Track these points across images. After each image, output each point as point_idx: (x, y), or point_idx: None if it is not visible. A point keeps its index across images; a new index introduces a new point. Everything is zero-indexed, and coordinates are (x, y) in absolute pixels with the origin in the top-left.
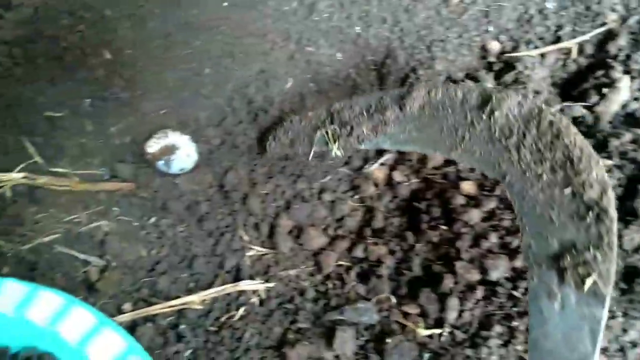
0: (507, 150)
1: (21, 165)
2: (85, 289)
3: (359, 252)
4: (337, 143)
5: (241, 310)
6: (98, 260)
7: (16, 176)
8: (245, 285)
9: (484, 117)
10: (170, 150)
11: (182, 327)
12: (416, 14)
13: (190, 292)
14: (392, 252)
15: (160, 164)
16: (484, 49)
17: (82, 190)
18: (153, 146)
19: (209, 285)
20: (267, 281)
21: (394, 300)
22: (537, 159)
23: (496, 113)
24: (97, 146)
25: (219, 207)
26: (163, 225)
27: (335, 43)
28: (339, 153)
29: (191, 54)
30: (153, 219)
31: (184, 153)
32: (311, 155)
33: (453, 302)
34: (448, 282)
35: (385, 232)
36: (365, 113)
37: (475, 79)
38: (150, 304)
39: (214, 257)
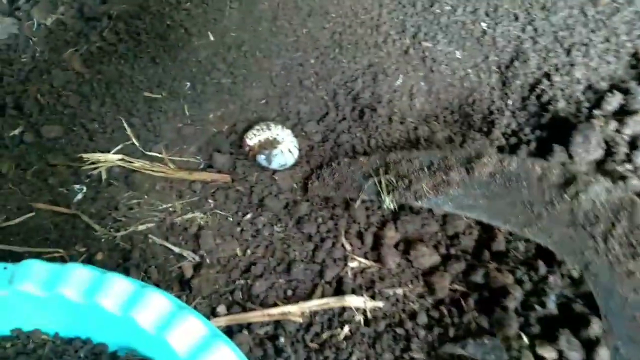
0: (591, 238)
1: (118, 147)
2: (179, 285)
3: (477, 277)
4: (390, 195)
5: (345, 329)
6: (192, 255)
7: (113, 157)
8: (351, 300)
9: (566, 198)
10: (271, 144)
11: (281, 339)
12: (555, 12)
13: (287, 300)
14: (519, 282)
15: (261, 158)
16: (636, 56)
17: (178, 178)
18: (253, 138)
19: (308, 295)
20: (372, 298)
21: (525, 339)
22: (629, 254)
23: (581, 196)
24: (195, 132)
25: (320, 209)
26: (259, 223)
27: (455, 39)
28: (391, 206)
29: (297, 41)
30: (249, 216)
31: (285, 148)
32: (358, 202)
33: (603, 354)
34: (596, 327)
35: (509, 258)
36: (426, 169)
37: (624, 91)
38: (245, 309)
39: (313, 264)
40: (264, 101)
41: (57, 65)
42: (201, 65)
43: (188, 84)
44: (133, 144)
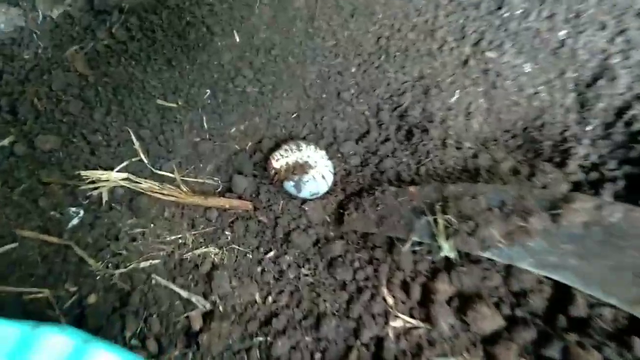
0: None
1: (123, 164)
2: (185, 340)
3: (553, 352)
4: (451, 240)
5: None
6: (203, 302)
7: (117, 176)
8: None
9: None
10: (302, 168)
11: None
12: None
13: None
14: None
15: (289, 185)
16: None
17: (191, 203)
18: (280, 160)
19: (342, 358)
20: None
21: None
22: None
23: None
24: (213, 149)
25: (357, 249)
26: (284, 263)
27: (526, 50)
28: (451, 255)
29: (337, 45)
30: (272, 253)
31: (318, 174)
32: (407, 246)
33: None
34: None
35: (592, 328)
36: (496, 210)
37: None
38: None
39: (347, 319)
40: (294, 115)
41: (59, 64)
42: (224, 70)
43: (208, 91)
44: (141, 160)
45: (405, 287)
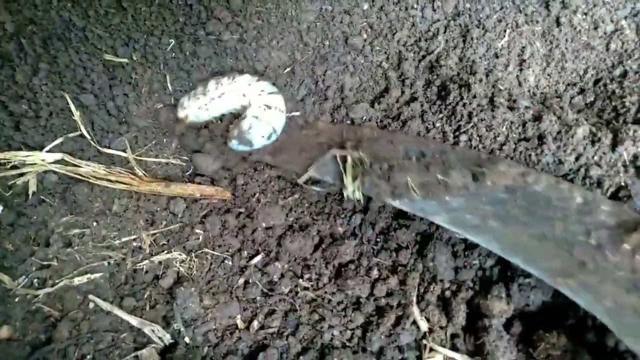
0: None
1: (57, 141)
2: None
3: None
4: (357, 181)
5: None
6: (160, 332)
7: (48, 157)
8: None
9: (626, 249)
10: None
11: None
12: None
13: None
14: None
15: (235, 144)
16: None
17: (149, 192)
18: (189, 108)
19: None
20: None
21: None
22: None
23: None
24: (176, 119)
25: (375, 252)
26: (274, 271)
27: None
28: (355, 197)
29: None
30: (258, 258)
31: (258, 109)
32: (303, 179)
33: None
34: None
35: None
36: (414, 160)
37: None
38: None
39: (362, 354)
40: (287, 69)
41: None
42: (192, 11)
43: (172, 41)
44: (82, 136)
45: (445, 304)
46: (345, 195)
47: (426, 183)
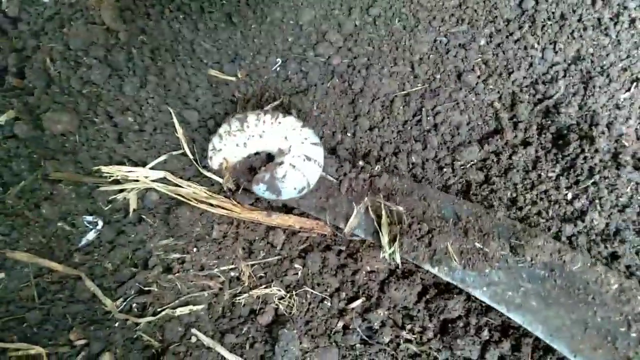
0: None
1: (161, 158)
2: None
3: None
4: (395, 244)
5: None
6: None
7: (150, 174)
8: None
9: None
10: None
11: None
12: None
13: None
14: None
15: (261, 189)
16: None
17: (249, 219)
18: (223, 150)
19: None
20: None
21: None
22: None
23: None
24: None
25: (484, 309)
26: (376, 318)
27: None
28: (395, 259)
29: (462, 6)
30: (358, 302)
31: (297, 158)
32: (349, 230)
33: None
34: None
35: None
36: (452, 223)
37: None
38: None
39: None
40: (394, 99)
41: (83, 14)
42: (302, 33)
43: (278, 61)
44: (184, 154)
45: None
46: (383, 255)
47: (465, 251)
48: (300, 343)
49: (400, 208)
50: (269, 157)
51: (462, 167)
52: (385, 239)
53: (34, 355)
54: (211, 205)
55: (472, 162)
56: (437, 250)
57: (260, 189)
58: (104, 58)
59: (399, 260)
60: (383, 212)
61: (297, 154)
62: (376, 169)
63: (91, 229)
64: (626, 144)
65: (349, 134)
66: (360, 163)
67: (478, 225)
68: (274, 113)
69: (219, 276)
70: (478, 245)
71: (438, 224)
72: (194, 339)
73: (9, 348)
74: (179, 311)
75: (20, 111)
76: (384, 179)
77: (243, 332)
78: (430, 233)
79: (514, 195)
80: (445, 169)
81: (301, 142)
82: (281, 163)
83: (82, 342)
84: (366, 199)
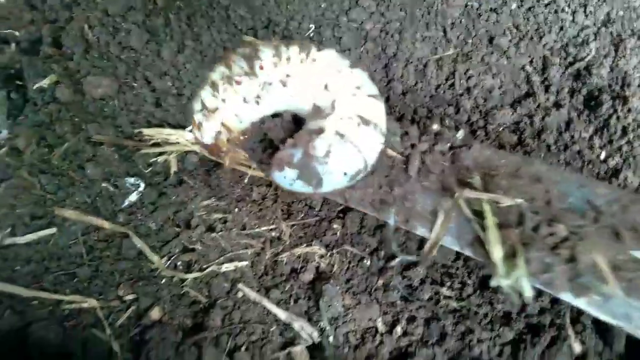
0: None
1: None
2: None
3: None
4: (518, 265)
5: None
6: (308, 329)
7: (190, 137)
8: None
9: None
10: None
11: None
12: None
13: None
14: None
15: (286, 177)
16: None
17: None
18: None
19: None
20: None
21: None
22: None
23: None
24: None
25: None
26: (415, 276)
27: None
28: (523, 288)
29: None
30: (397, 260)
31: (350, 125)
32: (430, 250)
33: None
34: None
35: None
36: (592, 219)
37: None
38: None
39: None
40: (427, 64)
41: None
42: None
43: (312, 26)
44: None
45: (603, 330)
46: (492, 282)
47: (621, 266)
48: (343, 299)
49: (520, 200)
50: (298, 122)
51: (495, 130)
52: (497, 254)
53: (86, 308)
54: (250, 167)
55: (505, 125)
56: (581, 269)
57: (286, 178)
58: (142, 23)
59: (528, 292)
60: (486, 209)
61: (347, 114)
62: (459, 134)
63: (133, 191)
64: None
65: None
66: (435, 127)
67: (629, 219)
68: (304, 45)
69: (261, 235)
70: (637, 254)
71: (573, 223)
72: (240, 294)
73: (63, 300)
74: (224, 267)
75: (61, 75)
76: (475, 150)
77: (287, 288)
78: (568, 240)
79: (548, 156)
80: (478, 132)
81: (352, 93)
82: (321, 131)
83: (131, 297)
84: (456, 188)
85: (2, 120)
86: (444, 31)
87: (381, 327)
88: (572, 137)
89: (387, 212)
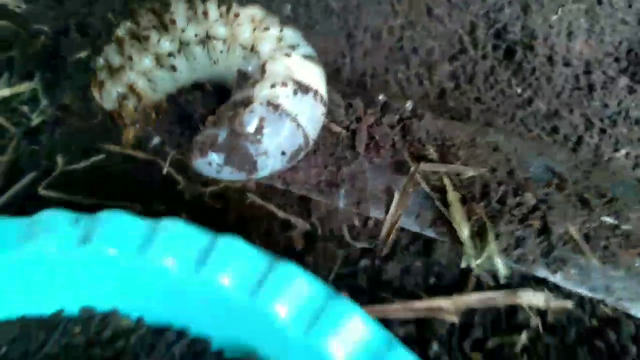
0: None
1: None
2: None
3: None
4: (488, 244)
5: (523, 337)
6: (299, 222)
7: None
8: (525, 296)
9: None
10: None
11: (433, 347)
12: None
13: (433, 291)
14: None
15: (208, 163)
16: None
17: None
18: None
19: (458, 285)
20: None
21: None
22: None
23: None
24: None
25: None
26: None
27: None
28: (497, 267)
29: None
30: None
31: (286, 96)
32: (387, 236)
33: None
34: None
35: None
36: (556, 187)
37: None
38: (379, 299)
39: None
40: (380, 32)
41: None
42: None
43: (289, 6)
44: None
45: None
46: (463, 263)
47: (594, 234)
48: None
49: (482, 170)
50: (224, 95)
51: (438, 80)
52: (465, 233)
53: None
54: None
55: (445, 75)
56: (554, 241)
57: (212, 165)
58: None
59: (502, 270)
60: (447, 182)
61: (281, 79)
62: (407, 105)
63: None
64: (557, 50)
65: (347, 60)
66: (380, 97)
67: (592, 185)
68: None
69: None
70: (609, 220)
71: (538, 192)
72: (249, 200)
73: (113, 206)
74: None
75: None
76: (427, 121)
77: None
78: (537, 209)
79: (478, 95)
80: (424, 82)
81: (285, 53)
82: (249, 102)
83: (163, 207)
84: (411, 163)
85: (41, 93)
86: (392, 5)
87: None
88: (496, 79)
89: (333, 196)
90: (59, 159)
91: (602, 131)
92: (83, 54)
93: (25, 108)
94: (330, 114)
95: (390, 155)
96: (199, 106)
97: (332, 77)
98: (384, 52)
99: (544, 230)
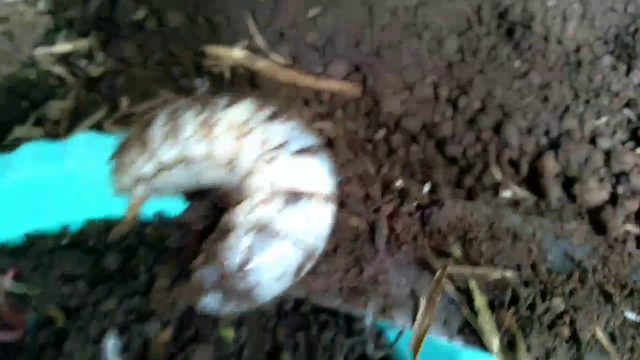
0: None
1: (242, 44)
2: None
3: None
4: (520, 351)
5: None
6: None
7: (238, 55)
8: None
9: None
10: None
11: None
12: None
13: None
14: None
15: (209, 302)
16: None
17: (305, 86)
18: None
19: None
20: None
21: None
22: None
23: None
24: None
25: (465, 131)
26: (396, 139)
27: None
28: None
29: None
30: (382, 132)
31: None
32: (415, 336)
33: None
34: None
35: None
36: (576, 277)
37: None
38: None
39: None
40: (392, 13)
41: None
42: None
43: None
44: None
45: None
46: None
47: (618, 333)
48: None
49: (509, 273)
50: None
51: (447, 53)
52: (495, 345)
53: None
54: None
55: (453, 49)
56: (583, 349)
57: (215, 305)
58: None
59: None
60: (473, 286)
61: (265, 194)
62: (425, 188)
63: (201, 86)
64: (552, 30)
65: (367, 32)
66: (398, 183)
67: (612, 274)
68: (207, 103)
69: None
70: (632, 317)
71: (564, 289)
72: None
73: None
74: None
75: (147, 12)
76: (446, 209)
77: None
78: (566, 313)
79: (481, 67)
80: (434, 54)
81: (269, 158)
82: (228, 230)
83: None
84: (434, 262)
85: (96, 51)
86: None
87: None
88: (497, 54)
89: (362, 304)
90: (123, 100)
91: (587, 102)
92: (140, 16)
93: (82, 62)
94: (346, 205)
95: (411, 250)
96: (199, 221)
97: (352, 47)
98: (399, 26)
99: (572, 337)
